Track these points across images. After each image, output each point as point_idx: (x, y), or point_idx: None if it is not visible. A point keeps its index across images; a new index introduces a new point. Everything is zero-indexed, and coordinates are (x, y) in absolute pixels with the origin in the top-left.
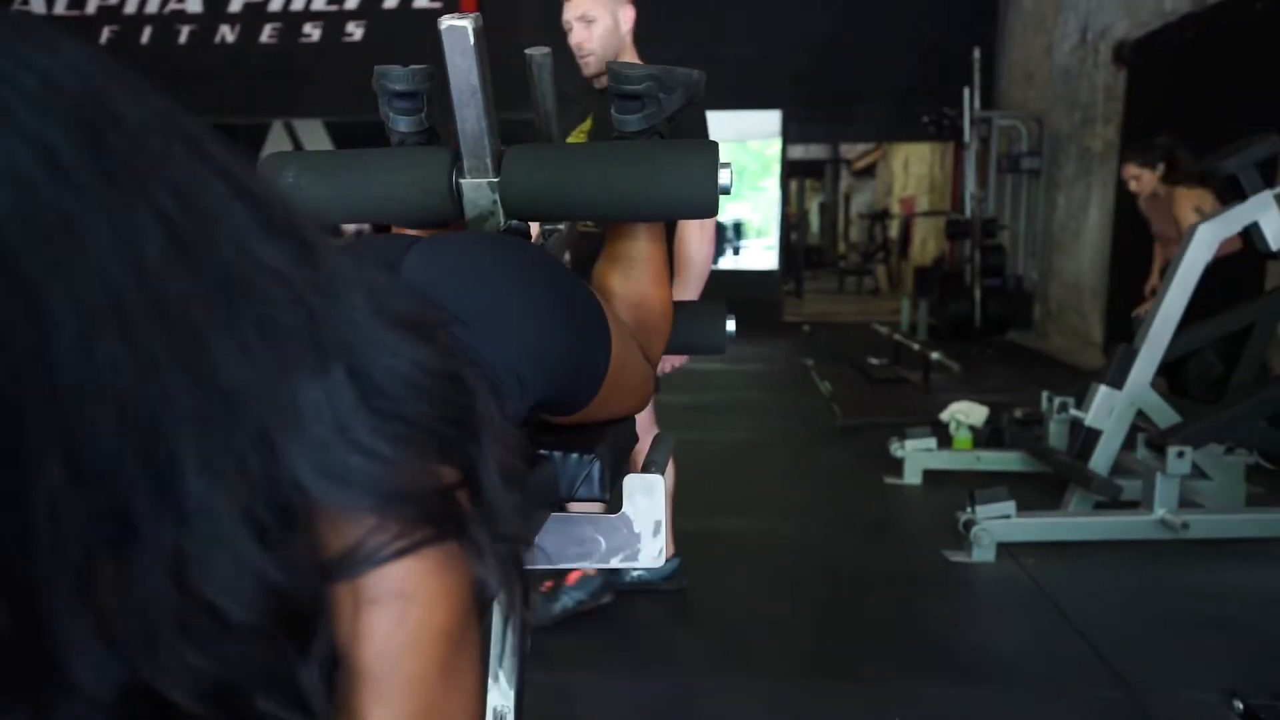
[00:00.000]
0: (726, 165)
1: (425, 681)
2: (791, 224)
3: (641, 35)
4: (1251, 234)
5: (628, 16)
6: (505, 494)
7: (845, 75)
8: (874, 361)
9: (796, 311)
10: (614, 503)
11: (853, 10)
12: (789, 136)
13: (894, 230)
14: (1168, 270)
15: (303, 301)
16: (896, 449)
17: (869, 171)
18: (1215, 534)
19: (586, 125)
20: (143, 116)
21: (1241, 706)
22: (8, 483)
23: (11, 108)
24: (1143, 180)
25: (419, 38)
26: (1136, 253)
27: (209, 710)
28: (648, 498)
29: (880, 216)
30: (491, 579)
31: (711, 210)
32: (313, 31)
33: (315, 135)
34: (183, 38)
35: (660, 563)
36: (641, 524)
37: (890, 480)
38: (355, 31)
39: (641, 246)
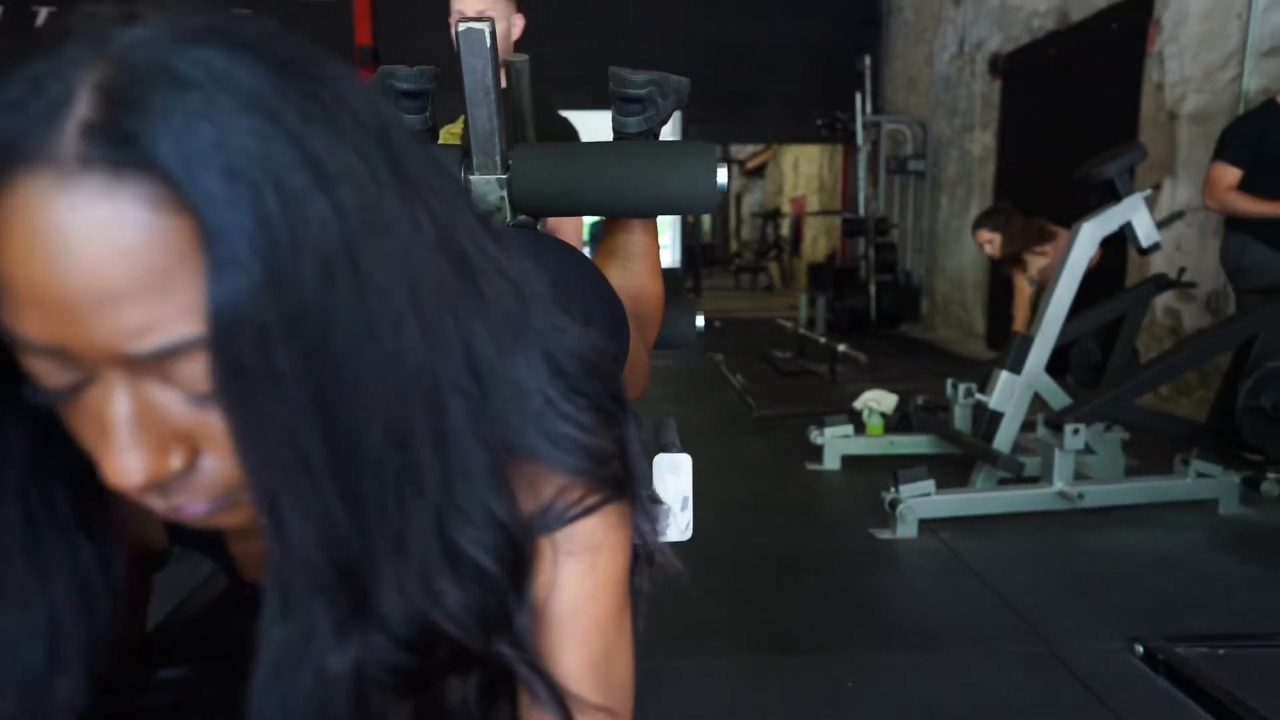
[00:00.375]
0: (723, 164)
1: (605, 625)
2: (689, 222)
3: (542, 32)
4: (1126, 233)
5: (518, 25)
6: (641, 460)
7: (742, 78)
8: (781, 355)
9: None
10: None
11: (748, 16)
12: (688, 136)
13: (785, 229)
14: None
15: (516, 287)
16: (816, 436)
17: (759, 172)
18: (1106, 502)
19: (457, 127)
20: (398, 122)
21: (1142, 650)
22: (353, 442)
23: (342, 120)
24: (996, 243)
25: (305, 29)
26: None
27: (472, 640)
28: (675, 475)
29: (772, 215)
30: (649, 533)
31: (711, 206)
32: None
33: None
34: (40, 19)
35: (688, 535)
36: (670, 500)
37: (811, 466)
38: None
39: (639, 240)
